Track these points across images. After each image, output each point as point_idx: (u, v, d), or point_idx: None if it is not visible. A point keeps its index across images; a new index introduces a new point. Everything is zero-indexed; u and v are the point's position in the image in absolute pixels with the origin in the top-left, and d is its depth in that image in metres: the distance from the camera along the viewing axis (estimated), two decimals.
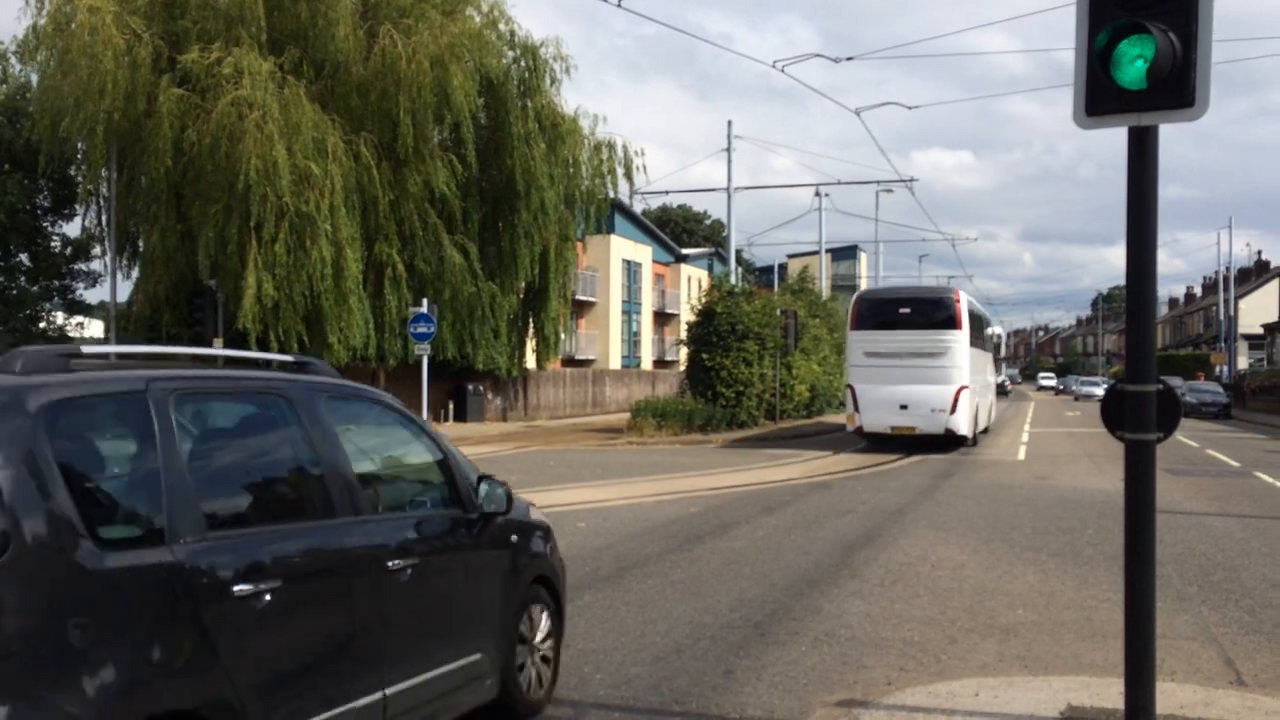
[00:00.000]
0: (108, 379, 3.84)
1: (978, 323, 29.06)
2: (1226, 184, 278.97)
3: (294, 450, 4.49)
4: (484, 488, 5.46)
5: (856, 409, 25.50)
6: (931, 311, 25.72)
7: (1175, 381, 45.01)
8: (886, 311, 26.10)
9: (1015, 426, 36.61)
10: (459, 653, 5.04)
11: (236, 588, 3.79)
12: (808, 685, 6.35)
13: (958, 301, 25.80)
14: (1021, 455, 24.35)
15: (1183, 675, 6.48)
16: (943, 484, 17.89)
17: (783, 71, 26.34)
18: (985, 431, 29.96)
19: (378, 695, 4.40)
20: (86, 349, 4.02)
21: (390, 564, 4.59)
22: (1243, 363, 67.59)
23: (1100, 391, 51.77)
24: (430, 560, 4.91)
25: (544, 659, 5.95)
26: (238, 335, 27.11)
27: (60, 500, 3.29)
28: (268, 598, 3.88)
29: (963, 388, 24.93)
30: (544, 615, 6.00)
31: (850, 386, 25.89)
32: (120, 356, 4.59)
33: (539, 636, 5.90)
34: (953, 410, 24.67)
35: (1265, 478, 19.11)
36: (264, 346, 26.86)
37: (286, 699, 3.95)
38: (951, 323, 25.37)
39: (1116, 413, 5.19)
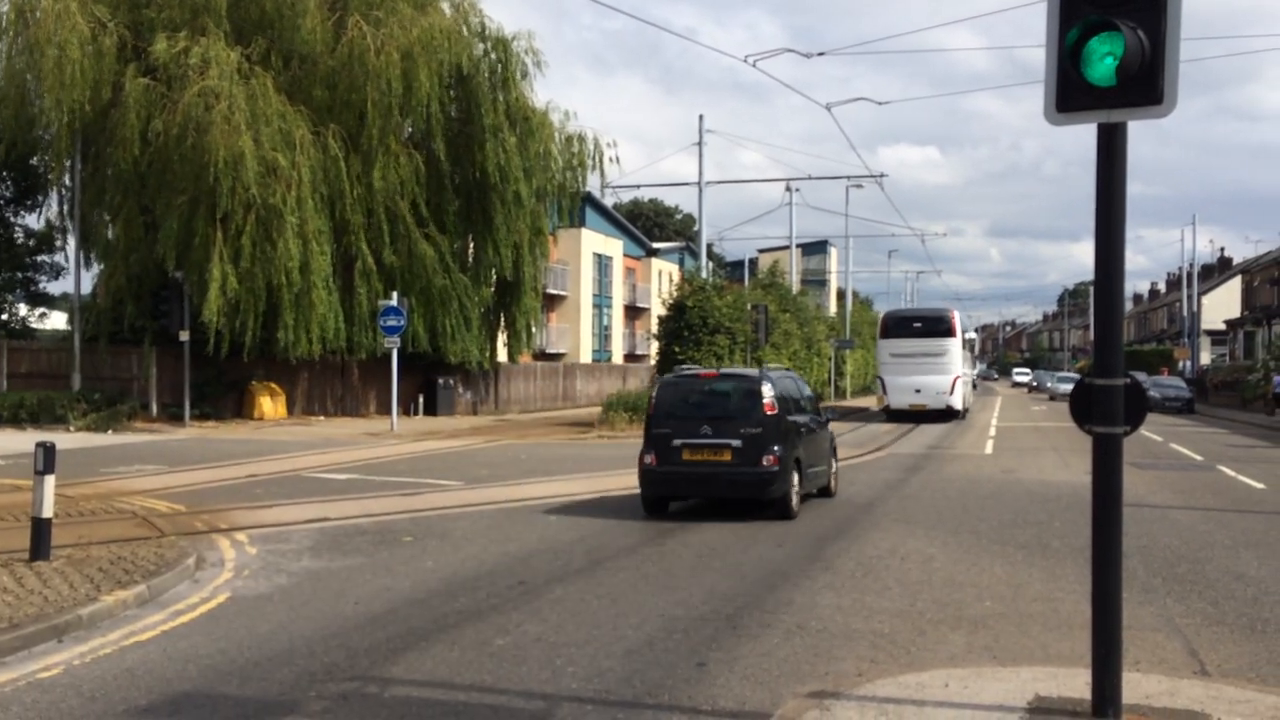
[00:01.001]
0: (777, 372, 14.56)
1: (964, 331, 39.91)
2: (1186, 182, 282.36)
3: (798, 392, 14.64)
4: (828, 414, 16.55)
5: (885, 393, 36.09)
6: (935, 324, 36.70)
7: (1139, 376, 45.36)
8: (904, 325, 37.25)
9: (982, 421, 36.92)
10: (821, 464, 14.55)
11: (802, 429, 13.76)
12: (779, 677, 6.38)
13: (953, 318, 37.23)
14: (989, 449, 24.58)
15: (1148, 665, 6.56)
16: (912, 478, 18.02)
17: (754, 66, 26.47)
18: (966, 410, 38.99)
19: (810, 471, 13.86)
20: (769, 367, 16.08)
21: (815, 430, 14.50)
22: (1205, 358, 68.51)
23: None
24: (816, 431, 14.44)
25: (834, 477, 15.33)
26: (201, 328, 26.85)
27: (781, 402, 13.13)
28: (805, 432, 13.78)
29: (957, 377, 35.52)
30: (834, 460, 15.42)
31: (880, 378, 36.93)
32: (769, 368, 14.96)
33: (835, 468, 15.40)
34: (951, 392, 35.09)
35: (1228, 471, 19.38)
36: (220, 338, 26.68)
37: (805, 462, 13.53)
38: (949, 332, 36.24)
39: (1085, 406, 5.25)
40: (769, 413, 12.77)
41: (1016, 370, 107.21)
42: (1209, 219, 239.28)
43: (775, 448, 12.62)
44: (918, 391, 35.01)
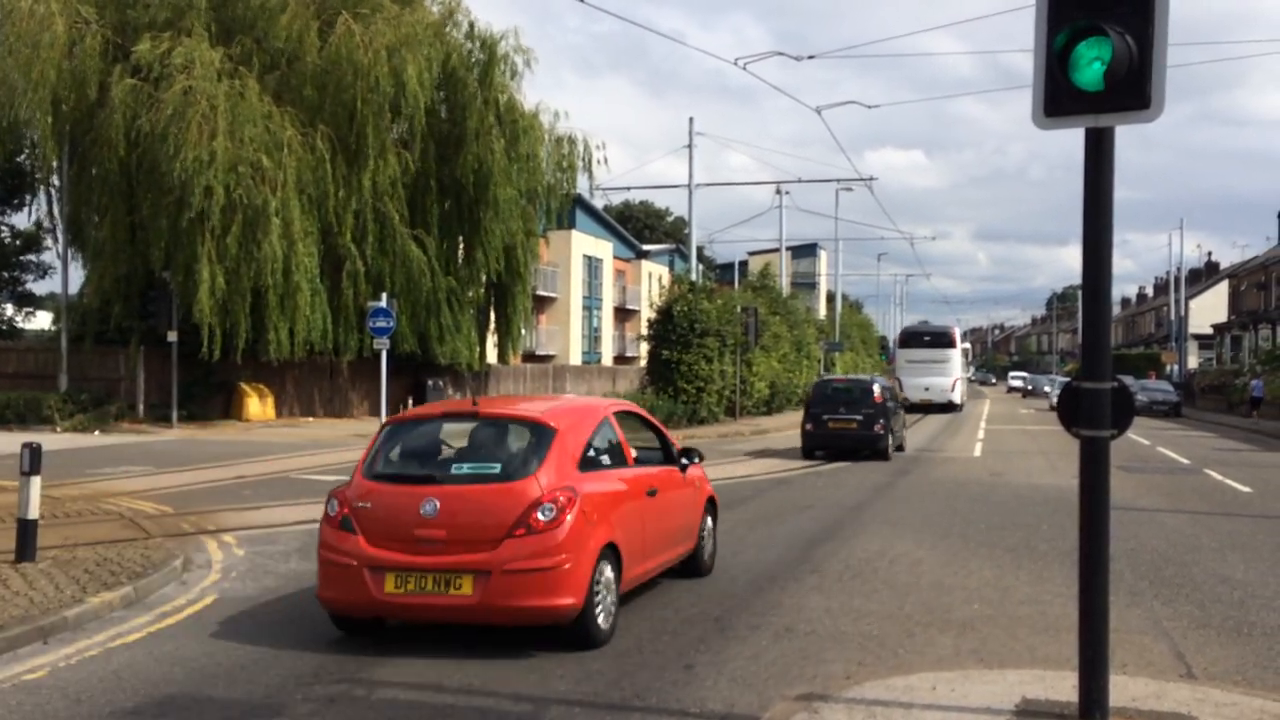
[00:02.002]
0: (881, 378, 27.83)
1: (962, 342, 52.52)
2: (1170, 187, 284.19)
3: (889, 387, 24.57)
4: (903, 402, 32.51)
5: (902, 389, 42.15)
6: (941, 338, 47.87)
7: (1127, 380, 45.70)
8: (917, 338, 48.63)
9: (971, 424, 37.01)
10: (900, 430, 24.34)
11: (892, 410, 22.83)
12: (767, 679, 6.39)
13: (954, 333, 49.66)
14: (977, 452, 24.64)
15: (1135, 668, 6.58)
16: (900, 480, 18.05)
17: (744, 69, 26.55)
18: (963, 404, 48.25)
19: (896, 435, 22.87)
20: (875, 375, 33.09)
21: (897, 411, 24.64)
22: (1193, 362, 68.78)
23: None
24: (897, 411, 24.71)
25: (904, 439, 24.76)
26: (192, 329, 26.73)
27: (883, 393, 22.24)
28: (893, 411, 22.86)
29: (957, 379, 46.41)
30: (904, 428, 26.25)
31: (898, 378, 44.75)
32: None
33: (905, 432, 25.61)
34: (952, 390, 45.35)
35: (1215, 475, 19.47)
36: (211, 339, 26.58)
37: (895, 430, 22.49)
38: (951, 344, 47.50)
39: (1072, 409, 5.27)
40: (877, 401, 21.67)
41: (1013, 375, 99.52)
42: (1194, 224, 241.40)
43: (881, 420, 21.39)
44: (927, 389, 44.46)
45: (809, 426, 21.77)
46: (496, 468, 7.16)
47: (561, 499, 6.81)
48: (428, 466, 7.42)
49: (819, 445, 21.78)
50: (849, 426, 21.47)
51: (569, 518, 6.77)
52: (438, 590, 6.69)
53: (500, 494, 6.88)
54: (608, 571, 7.17)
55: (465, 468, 7.22)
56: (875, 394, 21.71)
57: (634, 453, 8.34)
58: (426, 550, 6.72)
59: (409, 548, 6.75)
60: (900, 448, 23.33)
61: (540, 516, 6.73)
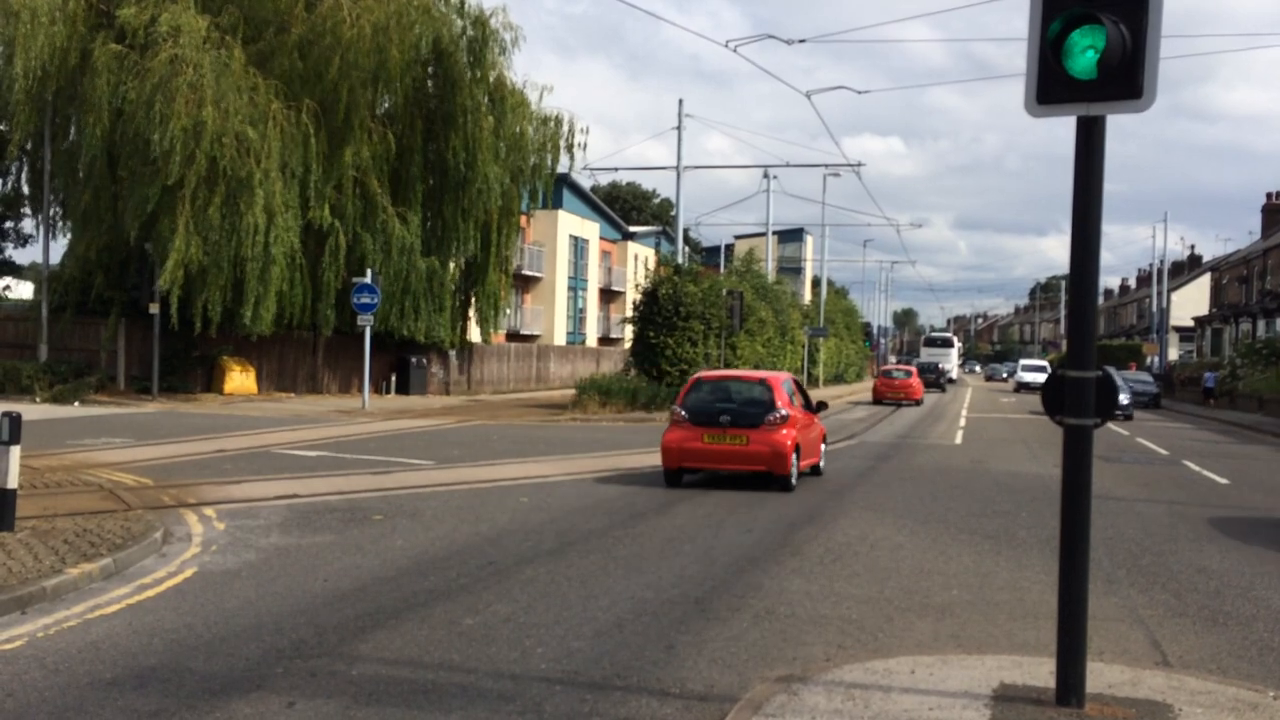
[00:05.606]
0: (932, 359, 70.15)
1: (957, 342, 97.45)
2: (1145, 179, 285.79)
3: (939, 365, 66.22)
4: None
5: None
6: (946, 341, 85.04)
7: (1111, 371, 46.56)
8: (932, 341, 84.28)
9: (953, 412, 37.20)
10: (945, 384, 63.59)
11: (946, 373, 70.55)
12: (748, 661, 6.41)
13: (954, 336, 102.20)
14: (959, 440, 24.76)
15: (1111, 655, 6.64)
16: (882, 466, 18.13)
17: (735, 51, 26.64)
18: (954, 380, 74.58)
19: (948, 384, 66.62)
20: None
21: (944, 372, 67.11)
22: (1173, 354, 69.27)
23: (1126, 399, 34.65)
24: (945, 373, 67.38)
25: (948, 383, 65.83)
26: (162, 299, 26.51)
27: (937, 367, 63.94)
28: (946, 372, 70.98)
29: (955, 364, 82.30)
30: (947, 380, 66.08)
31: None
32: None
33: (945, 382, 63.46)
34: (952, 371, 74.64)
35: (1193, 466, 19.64)
36: (186, 311, 26.32)
37: (945, 379, 65.09)
38: (951, 344, 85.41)
39: (1056, 398, 5.29)
40: (942, 369, 61.49)
41: (1024, 364, 72.60)
42: (1173, 217, 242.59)
43: (943, 376, 60.83)
44: None
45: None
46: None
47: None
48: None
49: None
50: (931, 378, 53.55)
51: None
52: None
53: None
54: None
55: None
56: (940, 366, 59.16)
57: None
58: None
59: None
60: (944, 388, 57.78)
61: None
